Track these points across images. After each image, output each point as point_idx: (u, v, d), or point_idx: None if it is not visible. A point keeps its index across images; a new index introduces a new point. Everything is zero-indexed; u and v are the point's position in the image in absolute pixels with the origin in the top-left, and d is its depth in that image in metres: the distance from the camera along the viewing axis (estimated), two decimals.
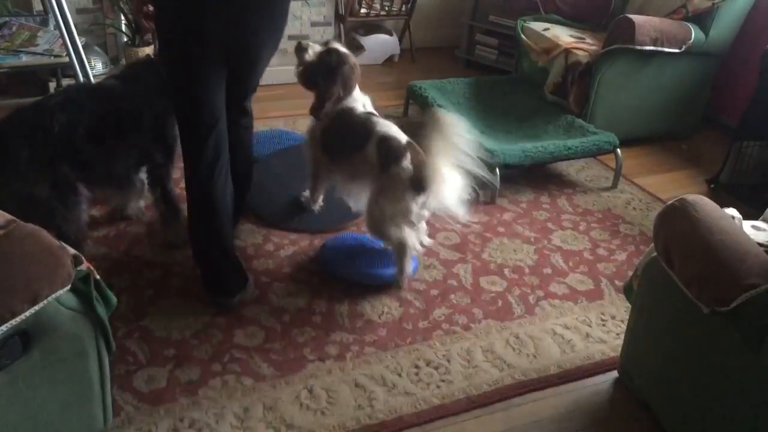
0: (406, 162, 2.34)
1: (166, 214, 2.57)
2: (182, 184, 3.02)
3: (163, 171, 2.51)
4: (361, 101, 2.61)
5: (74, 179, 2.21)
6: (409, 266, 2.48)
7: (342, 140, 2.54)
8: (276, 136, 3.44)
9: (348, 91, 2.55)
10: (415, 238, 2.44)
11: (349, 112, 2.55)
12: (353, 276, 2.47)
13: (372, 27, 4.85)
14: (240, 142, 2.45)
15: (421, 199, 2.36)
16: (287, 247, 2.69)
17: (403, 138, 2.44)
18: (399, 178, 2.33)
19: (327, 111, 2.56)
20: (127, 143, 2.35)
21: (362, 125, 2.49)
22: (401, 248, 2.41)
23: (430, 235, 2.82)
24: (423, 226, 2.54)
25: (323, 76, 2.53)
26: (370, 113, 2.58)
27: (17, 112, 2.18)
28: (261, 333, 2.24)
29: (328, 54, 2.54)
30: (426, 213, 2.45)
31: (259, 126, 3.62)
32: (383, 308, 2.40)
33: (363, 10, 4.62)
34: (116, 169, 2.36)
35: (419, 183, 2.32)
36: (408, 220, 2.37)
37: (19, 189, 2.09)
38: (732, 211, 1.89)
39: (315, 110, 2.58)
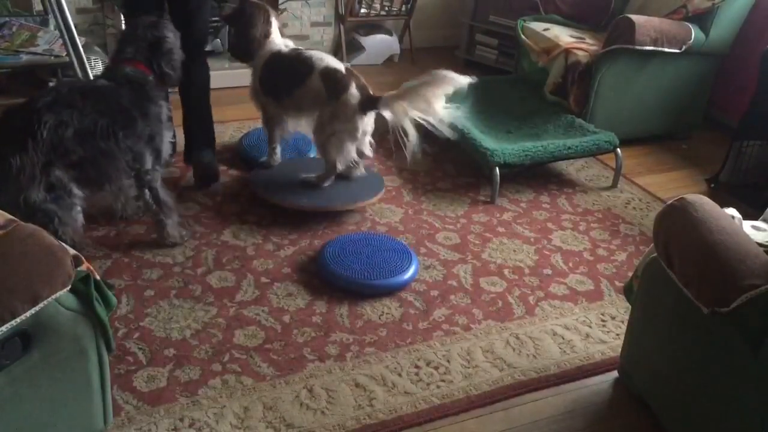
0: (353, 89, 2.77)
1: (160, 215, 2.57)
2: (182, 183, 3.05)
3: (151, 175, 2.50)
4: (283, 44, 2.98)
5: (68, 181, 2.20)
6: (329, 180, 2.93)
7: (283, 80, 2.88)
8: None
9: (261, 34, 2.95)
10: (354, 152, 2.89)
11: (278, 54, 2.93)
12: (354, 288, 2.46)
13: (372, 27, 4.84)
14: (193, 79, 2.88)
15: (366, 118, 2.82)
16: (287, 247, 2.70)
17: (341, 66, 2.85)
18: (350, 104, 2.76)
19: (257, 55, 2.96)
20: (119, 145, 2.33)
21: (298, 61, 2.87)
22: (332, 167, 2.90)
23: (430, 237, 2.83)
24: (367, 139, 2.95)
25: (234, 20, 3.01)
26: (296, 49, 2.96)
27: (5, 116, 2.16)
28: (261, 333, 2.24)
29: (242, 2, 3.01)
30: (369, 129, 2.89)
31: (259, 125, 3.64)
32: (383, 308, 2.40)
33: (363, 10, 4.62)
34: (108, 170, 2.33)
35: (365, 105, 2.77)
36: (354, 137, 2.83)
37: (15, 196, 2.08)
38: (732, 211, 1.89)
39: (231, 47, 3.19)
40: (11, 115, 2.16)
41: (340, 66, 2.84)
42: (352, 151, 2.87)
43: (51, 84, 3.68)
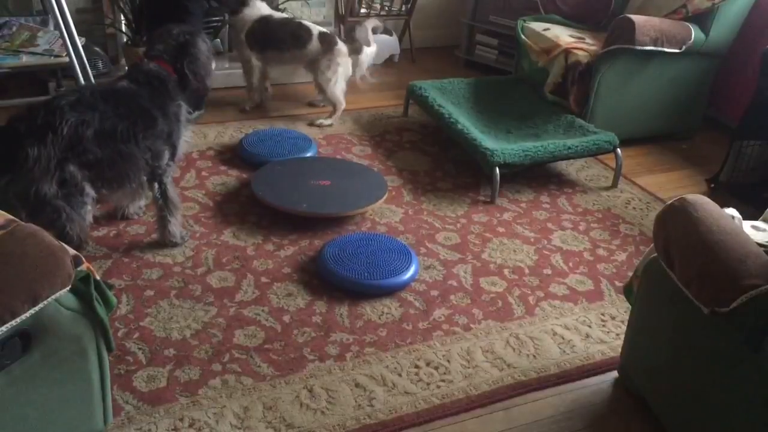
0: (341, 43, 3.71)
1: (164, 212, 2.57)
2: (182, 183, 3.05)
3: (163, 170, 2.52)
4: (264, 8, 3.72)
5: (81, 179, 2.22)
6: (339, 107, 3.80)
7: (277, 39, 3.65)
8: (278, 135, 3.45)
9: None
10: (344, 88, 3.81)
11: (268, 18, 3.67)
12: (354, 288, 2.46)
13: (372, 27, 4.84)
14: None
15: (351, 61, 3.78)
16: (287, 247, 2.70)
17: (328, 30, 3.85)
18: (342, 52, 3.70)
19: (244, 14, 3.66)
20: (139, 146, 2.37)
21: (296, 27, 3.68)
22: (338, 103, 3.78)
23: (430, 237, 2.84)
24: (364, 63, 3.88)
25: None
26: (289, 17, 3.83)
27: (29, 110, 2.19)
28: (261, 333, 2.24)
29: None
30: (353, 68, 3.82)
31: (258, 126, 3.65)
32: (383, 308, 2.40)
33: (363, 10, 4.62)
34: (127, 170, 2.37)
35: (353, 51, 3.76)
36: (347, 76, 3.78)
37: (27, 187, 2.09)
38: (732, 211, 1.88)
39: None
40: (35, 110, 2.18)
41: (327, 30, 3.80)
42: (344, 85, 3.82)
43: (51, 84, 3.69)
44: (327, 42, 3.67)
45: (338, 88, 3.74)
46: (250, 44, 3.67)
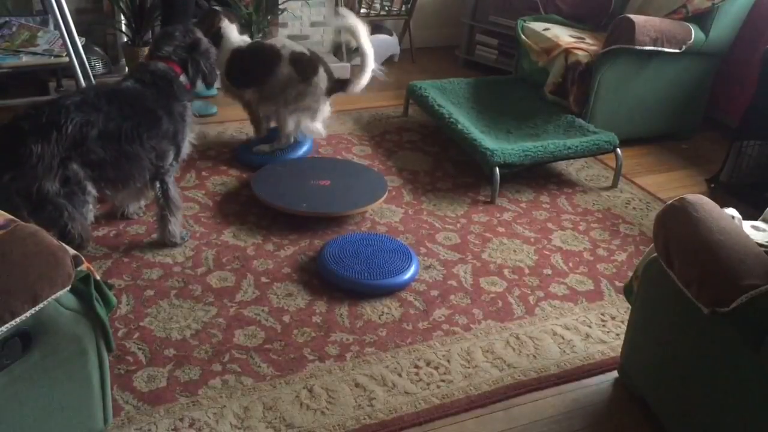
0: (322, 72, 3.13)
1: (165, 211, 2.58)
2: (182, 183, 3.05)
3: (166, 169, 2.53)
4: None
5: (84, 178, 2.22)
6: (284, 143, 3.28)
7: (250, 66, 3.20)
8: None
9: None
10: (310, 125, 3.25)
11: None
12: (354, 288, 2.46)
13: (372, 27, 4.84)
14: None
15: (328, 100, 3.22)
16: (287, 247, 2.70)
17: (305, 49, 3.18)
18: (319, 88, 3.13)
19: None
20: (144, 146, 2.38)
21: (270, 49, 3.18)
22: (288, 139, 3.26)
23: (430, 237, 2.83)
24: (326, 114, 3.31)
25: None
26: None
27: (33, 109, 2.20)
28: (261, 333, 2.24)
29: None
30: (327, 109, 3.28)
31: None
32: (383, 309, 2.40)
33: (363, 10, 4.62)
34: (132, 171, 2.38)
35: (331, 90, 3.18)
36: (314, 116, 3.20)
37: (30, 184, 2.10)
38: (732, 211, 1.89)
39: None
40: (39, 109, 2.19)
41: (305, 49, 3.21)
42: (308, 123, 3.29)
43: (51, 84, 3.69)
44: (303, 68, 3.10)
45: (295, 119, 3.21)
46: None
